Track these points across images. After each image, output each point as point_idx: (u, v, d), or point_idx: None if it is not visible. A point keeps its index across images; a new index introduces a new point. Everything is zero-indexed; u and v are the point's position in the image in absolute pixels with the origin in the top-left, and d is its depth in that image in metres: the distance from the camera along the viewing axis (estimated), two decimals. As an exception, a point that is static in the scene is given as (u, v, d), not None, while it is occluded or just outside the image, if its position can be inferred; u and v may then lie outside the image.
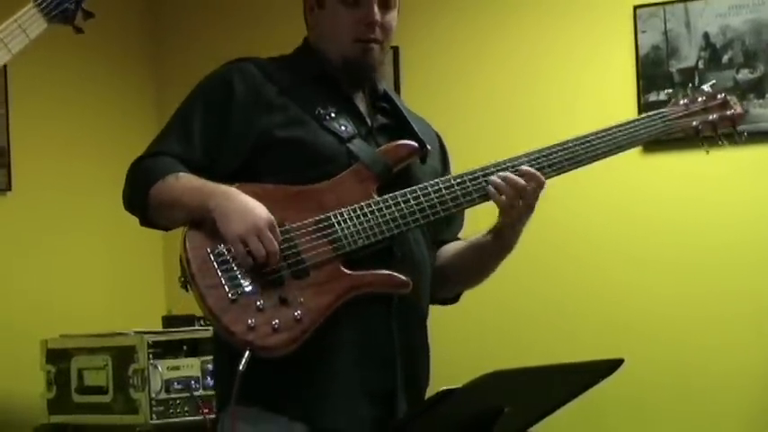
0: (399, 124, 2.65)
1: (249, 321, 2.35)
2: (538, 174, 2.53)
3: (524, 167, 2.54)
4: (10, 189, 4.88)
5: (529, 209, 2.55)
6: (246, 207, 2.40)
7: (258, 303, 2.37)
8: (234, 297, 2.37)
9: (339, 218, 2.46)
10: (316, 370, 2.45)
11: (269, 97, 2.55)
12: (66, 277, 5.02)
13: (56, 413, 4.55)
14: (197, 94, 2.60)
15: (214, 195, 2.43)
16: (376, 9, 2.57)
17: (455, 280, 2.72)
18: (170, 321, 4.67)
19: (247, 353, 2.34)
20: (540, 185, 2.54)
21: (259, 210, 2.40)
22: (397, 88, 4.79)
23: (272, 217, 2.40)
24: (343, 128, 2.55)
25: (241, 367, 2.33)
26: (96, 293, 5.12)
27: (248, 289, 2.38)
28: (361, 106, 2.64)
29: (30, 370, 4.60)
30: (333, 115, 2.56)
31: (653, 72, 4.53)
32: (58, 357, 4.56)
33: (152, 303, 5.04)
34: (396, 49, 4.85)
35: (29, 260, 4.91)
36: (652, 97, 4.49)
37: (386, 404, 2.51)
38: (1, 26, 2.09)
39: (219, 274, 2.39)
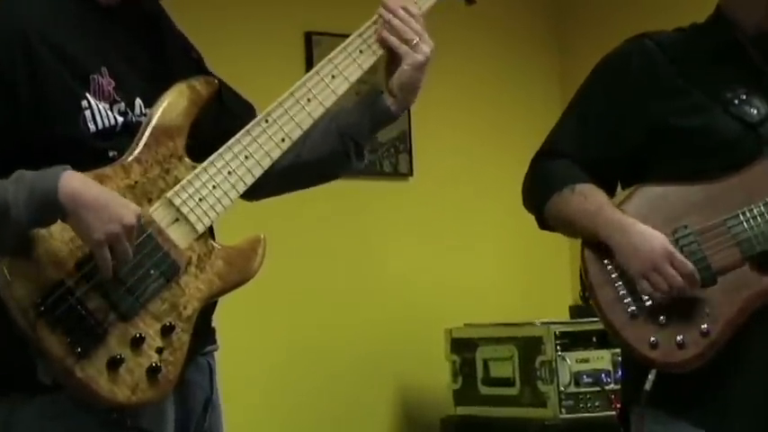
0: None
1: (651, 339, 2.31)
2: None
3: None
4: (412, 174, 4.93)
5: None
6: (641, 244, 2.32)
7: (661, 318, 2.32)
8: (634, 312, 2.33)
9: (748, 215, 2.33)
10: (720, 381, 2.34)
11: (668, 80, 2.42)
12: (468, 264, 5.01)
13: (462, 404, 4.55)
14: (594, 77, 2.52)
15: (606, 227, 2.36)
16: None
17: None
18: (578, 311, 4.55)
19: (652, 373, 2.31)
20: None
21: (655, 243, 2.32)
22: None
23: (669, 248, 2.31)
24: (754, 110, 2.37)
25: (647, 387, 2.31)
26: (499, 281, 5.09)
27: (649, 303, 2.32)
28: None
29: (435, 359, 4.61)
30: (743, 97, 2.39)
31: None
32: (463, 347, 4.56)
33: (558, 292, 4.95)
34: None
35: (431, 247, 4.94)
36: None
37: None
38: None
39: (619, 286, 2.35)
